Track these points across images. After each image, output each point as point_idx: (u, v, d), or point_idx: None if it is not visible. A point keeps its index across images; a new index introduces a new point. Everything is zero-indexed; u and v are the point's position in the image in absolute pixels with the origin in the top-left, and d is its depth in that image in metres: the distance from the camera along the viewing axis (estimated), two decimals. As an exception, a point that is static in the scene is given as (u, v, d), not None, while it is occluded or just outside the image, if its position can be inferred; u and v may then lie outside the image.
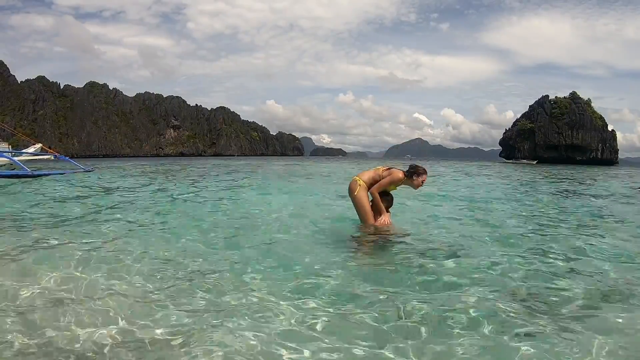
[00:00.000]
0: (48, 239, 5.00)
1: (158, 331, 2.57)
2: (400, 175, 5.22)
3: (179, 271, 3.81)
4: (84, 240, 4.97)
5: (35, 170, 17.10)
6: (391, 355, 2.33)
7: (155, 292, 3.26)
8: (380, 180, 5.19)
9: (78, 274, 3.66)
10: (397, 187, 5.37)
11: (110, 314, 2.80)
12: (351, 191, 5.25)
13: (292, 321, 2.74)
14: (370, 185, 5.21)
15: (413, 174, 5.23)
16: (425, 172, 5.29)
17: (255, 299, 3.12)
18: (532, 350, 2.37)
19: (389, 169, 5.32)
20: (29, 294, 3.12)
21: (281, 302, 3.05)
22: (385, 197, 5.34)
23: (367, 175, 5.26)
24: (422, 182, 5.26)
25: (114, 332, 2.53)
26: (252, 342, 2.41)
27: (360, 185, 5.17)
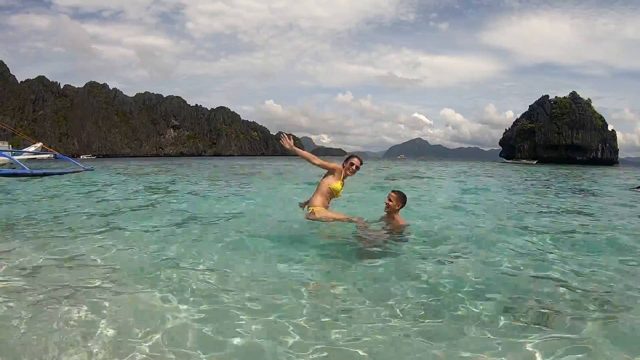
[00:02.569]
0: (45, 240, 4.97)
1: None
2: (336, 165, 5.11)
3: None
4: (76, 239, 4.94)
5: (34, 170, 17.06)
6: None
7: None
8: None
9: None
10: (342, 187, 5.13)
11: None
12: (312, 220, 5.02)
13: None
14: (327, 200, 5.10)
15: (344, 162, 5.12)
16: (352, 157, 5.12)
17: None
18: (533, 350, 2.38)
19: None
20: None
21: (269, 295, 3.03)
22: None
23: (318, 199, 5.06)
24: (352, 166, 5.04)
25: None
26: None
27: (315, 212, 4.97)
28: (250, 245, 4.65)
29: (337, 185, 5.00)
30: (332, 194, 5.05)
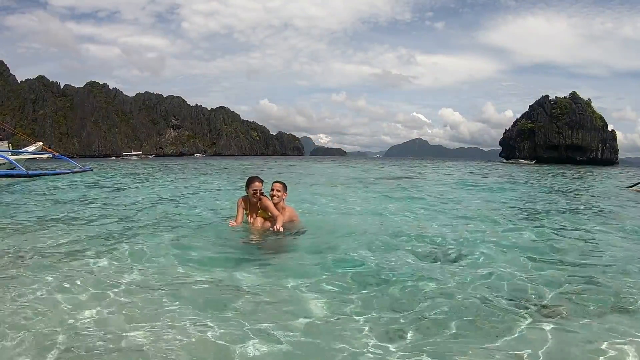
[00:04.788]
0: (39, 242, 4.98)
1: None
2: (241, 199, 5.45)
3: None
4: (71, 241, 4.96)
5: (31, 170, 17.08)
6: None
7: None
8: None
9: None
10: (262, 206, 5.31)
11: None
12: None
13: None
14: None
15: (246, 189, 5.33)
16: (253, 180, 5.26)
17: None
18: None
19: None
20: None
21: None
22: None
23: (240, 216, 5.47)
24: (253, 190, 5.21)
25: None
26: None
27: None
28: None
29: (262, 213, 5.29)
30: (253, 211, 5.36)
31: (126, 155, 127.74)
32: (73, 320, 2.62)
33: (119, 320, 2.66)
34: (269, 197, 5.32)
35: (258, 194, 5.19)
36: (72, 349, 2.26)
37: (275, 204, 5.27)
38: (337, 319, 2.75)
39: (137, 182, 15.43)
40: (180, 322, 2.63)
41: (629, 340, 2.43)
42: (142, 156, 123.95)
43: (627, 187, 15.45)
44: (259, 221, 5.25)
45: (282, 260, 4.18)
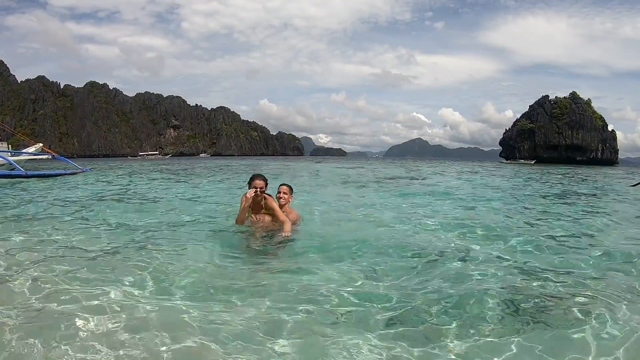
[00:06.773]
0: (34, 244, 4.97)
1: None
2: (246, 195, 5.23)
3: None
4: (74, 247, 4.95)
5: (30, 171, 17.06)
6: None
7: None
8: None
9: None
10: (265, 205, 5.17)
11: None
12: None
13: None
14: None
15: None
16: (255, 178, 5.11)
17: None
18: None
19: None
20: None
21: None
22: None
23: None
24: (254, 188, 5.04)
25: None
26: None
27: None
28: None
29: (265, 210, 5.15)
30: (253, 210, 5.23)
31: (143, 155, 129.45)
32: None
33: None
34: (274, 198, 5.24)
35: (259, 192, 5.08)
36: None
37: (281, 207, 5.20)
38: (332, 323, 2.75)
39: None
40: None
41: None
42: (159, 156, 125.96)
43: (631, 185, 15.45)
44: (263, 219, 5.14)
45: (286, 262, 4.17)
